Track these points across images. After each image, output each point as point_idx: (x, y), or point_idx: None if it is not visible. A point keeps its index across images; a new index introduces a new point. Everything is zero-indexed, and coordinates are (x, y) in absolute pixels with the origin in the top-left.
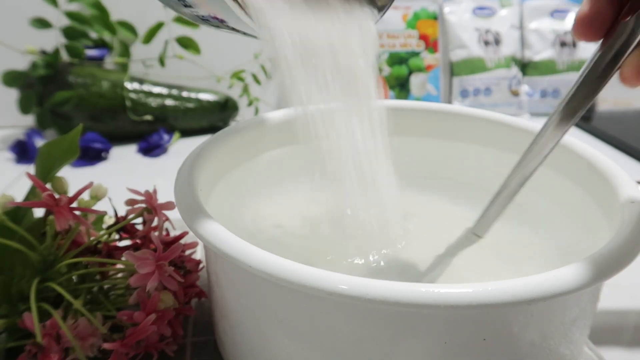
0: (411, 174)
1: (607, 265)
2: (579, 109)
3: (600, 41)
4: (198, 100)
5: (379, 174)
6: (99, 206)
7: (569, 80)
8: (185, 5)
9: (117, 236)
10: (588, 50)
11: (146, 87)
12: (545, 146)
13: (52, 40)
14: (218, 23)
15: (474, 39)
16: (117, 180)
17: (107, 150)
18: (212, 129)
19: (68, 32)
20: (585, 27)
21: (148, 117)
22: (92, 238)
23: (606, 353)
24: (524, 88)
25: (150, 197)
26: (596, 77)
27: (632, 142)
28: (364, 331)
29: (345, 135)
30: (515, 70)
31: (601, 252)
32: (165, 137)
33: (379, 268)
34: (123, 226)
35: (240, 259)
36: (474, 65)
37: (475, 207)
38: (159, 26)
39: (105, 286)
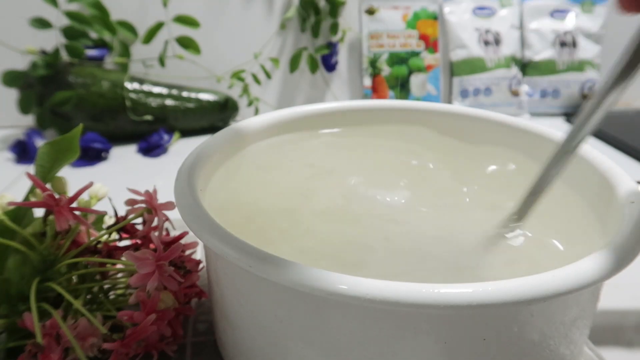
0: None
1: (607, 265)
2: (625, 78)
3: None
4: (198, 100)
5: None
6: (99, 206)
7: (569, 80)
8: None
9: (117, 236)
10: (588, 50)
11: (146, 87)
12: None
13: (52, 40)
14: None
15: (474, 39)
16: (117, 180)
17: (107, 150)
18: (212, 129)
19: (68, 32)
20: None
21: (148, 117)
22: (92, 238)
23: (606, 353)
24: (524, 88)
25: (150, 197)
26: None
27: (632, 142)
28: (364, 331)
29: None
30: (515, 70)
31: (601, 252)
32: (165, 137)
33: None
34: (123, 226)
35: (240, 259)
36: (474, 65)
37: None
38: (159, 26)
39: (105, 286)
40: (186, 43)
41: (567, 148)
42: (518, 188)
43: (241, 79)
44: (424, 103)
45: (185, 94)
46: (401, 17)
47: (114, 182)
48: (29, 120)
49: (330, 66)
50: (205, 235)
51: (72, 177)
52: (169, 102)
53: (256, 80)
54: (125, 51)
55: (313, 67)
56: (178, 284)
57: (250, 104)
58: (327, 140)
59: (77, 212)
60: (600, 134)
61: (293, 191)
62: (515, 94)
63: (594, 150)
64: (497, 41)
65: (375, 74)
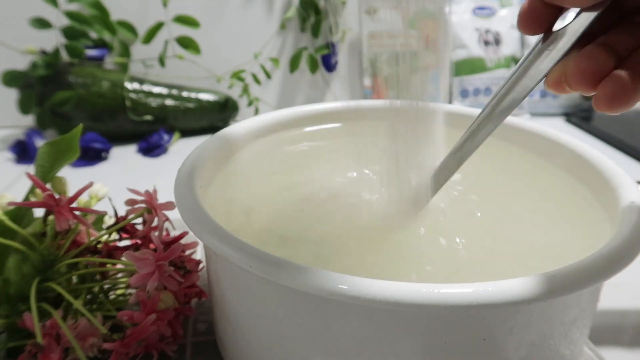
0: None
1: (607, 265)
2: (511, 108)
3: (542, 36)
4: (198, 100)
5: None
6: (99, 206)
7: None
8: None
9: (117, 236)
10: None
11: (146, 87)
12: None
13: (52, 40)
14: None
15: (474, 39)
16: (117, 180)
17: (107, 150)
18: (212, 129)
19: (68, 32)
20: (524, 22)
21: (148, 117)
22: (92, 238)
23: (606, 353)
24: None
25: (150, 197)
26: (527, 75)
27: (632, 142)
28: (364, 331)
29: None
30: None
31: (601, 252)
32: (165, 137)
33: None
34: (123, 226)
35: (240, 259)
36: (474, 65)
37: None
38: (159, 26)
39: (105, 286)
40: (186, 43)
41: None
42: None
43: (241, 79)
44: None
45: (185, 94)
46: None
47: (114, 182)
48: (29, 120)
49: (330, 66)
50: (205, 235)
51: (72, 177)
52: (169, 102)
53: (256, 80)
54: (125, 51)
55: (313, 67)
56: (178, 284)
57: (250, 104)
58: (322, 138)
59: (77, 212)
60: (600, 134)
61: (294, 192)
62: None
63: (594, 150)
64: (497, 41)
65: (375, 74)
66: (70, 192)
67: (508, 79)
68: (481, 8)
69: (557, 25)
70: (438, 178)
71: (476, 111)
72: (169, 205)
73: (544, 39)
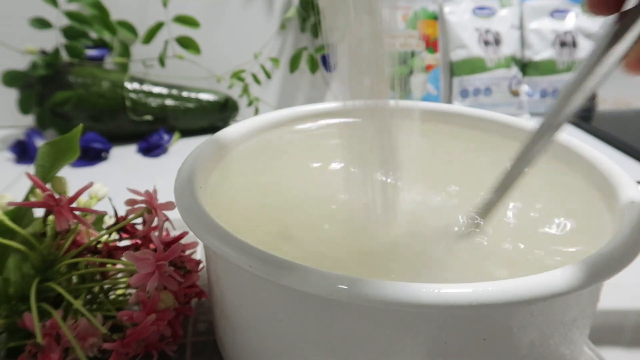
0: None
1: (607, 265)
2: (591, 90)
3: (614, 17)
4: (198, 100)
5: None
6: (99, 206)
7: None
8: None
9: (117, 236)
10: (588, 50)
11: (146, 87)
12: (554, 124)
13: (52, 40)
14: None
15: (474, 39)
16: (117, 180)
17: (107, 150)
18: (212, 129)
19: (68, 32)
20: (593, 2)
21: (148, 117)
22: (92, 238)
23: (606, 353)
24: (524, 88)
25: (150, 197)
26: (604, 58)
27: (632, 142)
28: (364, 331)
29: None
30: (515, 70)
31: (601, 252)
32: (165, 137)
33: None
34: (123, 226)
35: (240, 259)
36: (474, 65)
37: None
38: (159, 26)
39: (105, 286)
40: (186, 43)
41: (539, 139)
42: None
43: (241, 79)
44: (424, 103)
45: (185, 94)
46: (401, 17)
47: (114, 182)
48: (29, 120)
49: (330, 66)
50: (205, 235)
51: (72, 177)
52: (169, 102)
53: (256, 80)
54: (125, 51)
55: (313, 67)
56: (178, 284)
57: (250, 104)
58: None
59: (77, 212)
60: (600, 134)
61: (294, 184)
62: (515, 94)
63: (594, 150)
64: (497, 41)
65: None
66: (70, 192)
67: (584, 62)
68: (481, 8)
69: (629, 5)
70: (528, 154)
71: (476, 111)
72: (169, 205)
73: (618, 20)
